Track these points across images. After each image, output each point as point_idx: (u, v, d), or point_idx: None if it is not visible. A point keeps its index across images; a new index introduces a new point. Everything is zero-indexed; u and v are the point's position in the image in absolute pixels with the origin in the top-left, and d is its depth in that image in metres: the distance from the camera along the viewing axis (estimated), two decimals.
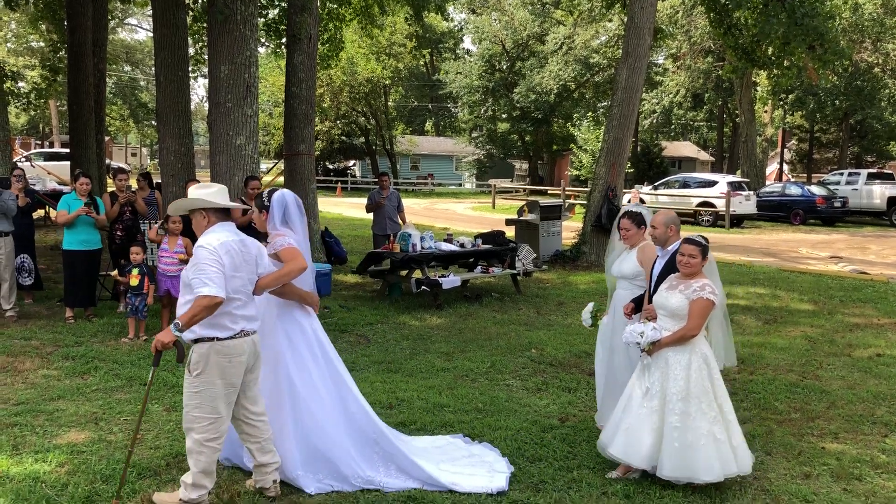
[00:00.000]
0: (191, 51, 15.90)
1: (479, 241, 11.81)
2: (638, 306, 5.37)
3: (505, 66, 45.10)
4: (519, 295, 11.53)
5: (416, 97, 60.61)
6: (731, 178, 28.37)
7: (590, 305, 5.79)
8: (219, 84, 10.08)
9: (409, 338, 8.74)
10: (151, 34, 14.79)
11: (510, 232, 14.56)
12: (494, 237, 11.99)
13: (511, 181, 48.20)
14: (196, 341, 4.25)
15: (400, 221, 12.33)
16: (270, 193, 4.94)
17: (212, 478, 4.35)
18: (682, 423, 4.67)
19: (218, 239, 4.23)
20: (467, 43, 59.11)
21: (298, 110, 13.19)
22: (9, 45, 40.13)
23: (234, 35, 9.97)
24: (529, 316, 10.21)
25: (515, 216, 15.74)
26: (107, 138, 23.56)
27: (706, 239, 4.87)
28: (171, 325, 4.07)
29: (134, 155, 62.64)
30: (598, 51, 39.89)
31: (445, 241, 11.43)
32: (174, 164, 11.14)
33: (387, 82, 42.92)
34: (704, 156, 52.90)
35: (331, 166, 46.86)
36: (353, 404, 4.85)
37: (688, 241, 4.82)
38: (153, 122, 52.88)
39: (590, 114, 41.28)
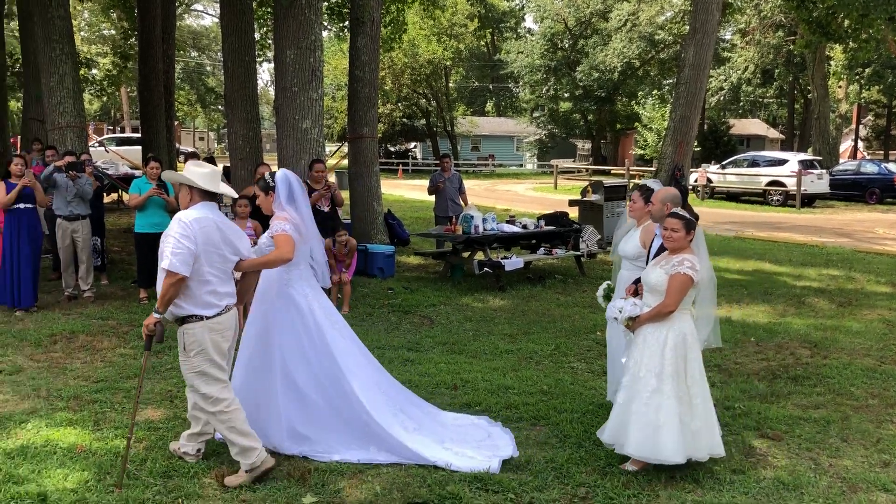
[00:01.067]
0: (256, 35, 16.12)
1: (542, 222, 11.72)
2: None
3: (567, 45, 44.47)
4: (583, 277, 11.42)
5: (476, 78, 60.35)
6: (802, 156, 27.50)
7: (604, 285, 5.58)
8: (285, 69, 10.20)
9: (472, 319, 8.76)
10: (217, 20, 15.02)
11: (573, 213, 14.39)
12: (557, 218, 11.88)
13: (573, 161, 47.57)
14: (183, 321, 4.35)
15: (462, 203, 12.31)
16: (273, 174, 5.01)
17: (252, 437, 4.47)
18: (653, 400, 4.55)
19: (195, 215, 4.36)
20: (529, 22, 58.58)
21: (362, 93, 13.26)
22: (82, 33, 41.36)
23: (300, 19, 10.06)
24: (594, 298, 10.06)
25: (578, 197, 15.56)
26: (175, 123, 24.15)
27: (694, 214, 4.71)
28: (154, 310, 4.30)
29: (202, 139, 64.01)
30: (663, 27, 39.01)
31: (508, 222, 11.37)
32: (242, 148, 11.37)
33: (448, 63, 42.82)
34: (774, 133, 51.31)
35: (392, 149, 47.09)
36: (347, 385, 4.86)
37: (672, 214, 4.67)
38: (219, 107, 53.97)
39: (655, 92, 40.47)
